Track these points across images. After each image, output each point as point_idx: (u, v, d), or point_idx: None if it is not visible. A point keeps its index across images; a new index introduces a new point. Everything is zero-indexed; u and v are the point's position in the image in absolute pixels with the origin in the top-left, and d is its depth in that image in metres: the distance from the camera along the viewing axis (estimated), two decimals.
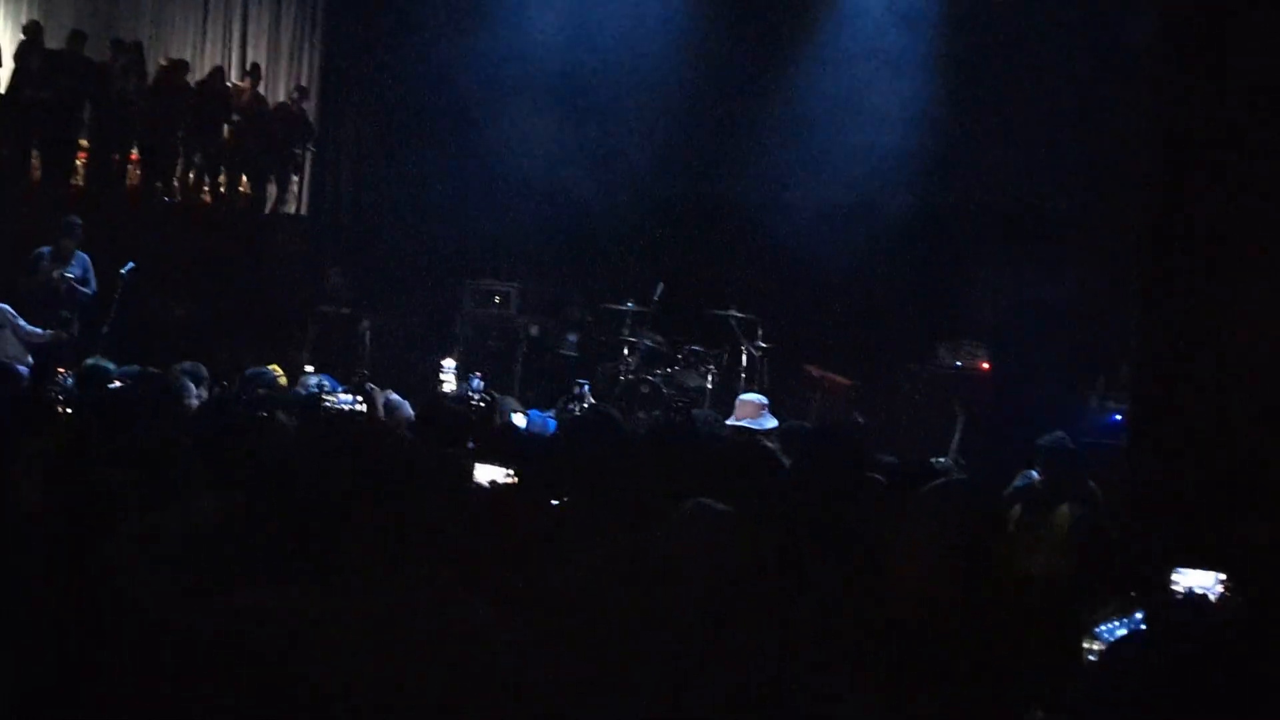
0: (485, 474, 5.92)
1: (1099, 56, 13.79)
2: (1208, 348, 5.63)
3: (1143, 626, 3.96)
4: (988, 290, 14.49)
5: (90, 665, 3.15)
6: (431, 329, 15.38)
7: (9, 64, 16.39)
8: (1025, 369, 13.88)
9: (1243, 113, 5.57)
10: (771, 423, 9.62)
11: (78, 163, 16.76)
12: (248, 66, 18.63)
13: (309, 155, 18.51)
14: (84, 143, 16.74)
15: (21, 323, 12.56)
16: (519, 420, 8.77)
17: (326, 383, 9.15)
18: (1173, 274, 5.73)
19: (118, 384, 8.20)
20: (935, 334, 14.67)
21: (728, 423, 9.61)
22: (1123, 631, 3.94)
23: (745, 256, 15.40)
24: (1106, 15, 13.64)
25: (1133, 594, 4.25)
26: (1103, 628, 4.01)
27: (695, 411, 11.34)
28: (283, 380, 9.31)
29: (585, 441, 6.47)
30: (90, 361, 8.74)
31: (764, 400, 10.08)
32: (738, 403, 10.18)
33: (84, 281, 13.60)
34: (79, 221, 13.67)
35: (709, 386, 14.08)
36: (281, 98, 18.48)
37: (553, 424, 9.01)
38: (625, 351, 14.60)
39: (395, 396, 8.74)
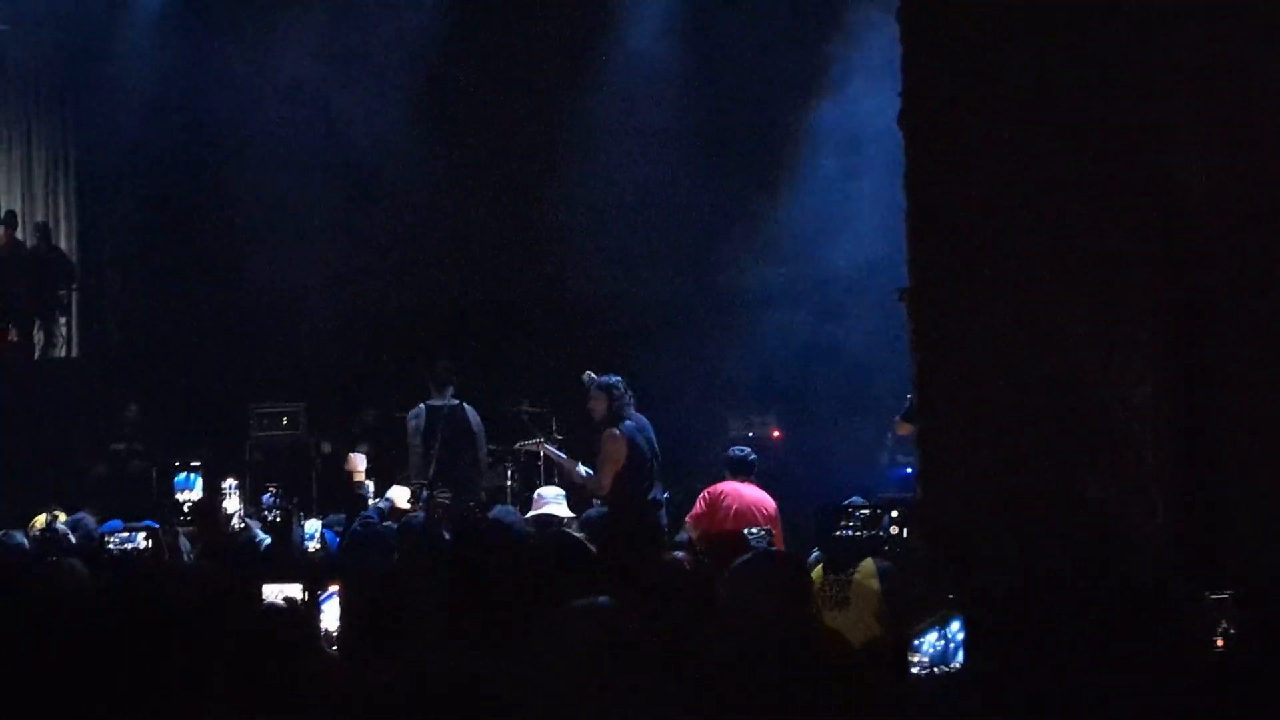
0: (275, 592, 5.82)
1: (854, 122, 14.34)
2: (980, 389, 5.84)
3: (959, 636, 4.08)
4: (769, 360, 14.76)
5: None
6: (220, 457, 15.09)
7: None
8: (816, 434, 14.20)
9: (974, 172, 5.85)
10: (568, 513, 9.64)
11: None
12: (2, 215, 18.18)
13: (74, 296, 18.12)
14: None
15: None
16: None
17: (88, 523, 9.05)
18: (938, 322, 5.93)
19: None
20: (726, 408, 14.91)
21: (528, 515, 9.60)
22: (941, 642, 4.05)
23: (530, 352, 15.47)
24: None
25: (950, 597, 4.37)
26: (921, 640, 4.11)
27: (496, 510, 11.28)
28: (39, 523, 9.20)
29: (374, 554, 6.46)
30: None
31: (560, 491, 10.10)
32: (535, 497, 10.17)
33: None
34: None
35: (509, 484, 14.00)
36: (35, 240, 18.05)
37: (333, 538, 8.97)
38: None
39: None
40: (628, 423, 10.93)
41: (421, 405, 12.66)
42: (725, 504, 9.92)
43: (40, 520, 9.68)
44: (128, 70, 17.39)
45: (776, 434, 14.54)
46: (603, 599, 4.63)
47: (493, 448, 14.44)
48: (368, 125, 16.00)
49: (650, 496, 10.87)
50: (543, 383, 14.79)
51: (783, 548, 9.62)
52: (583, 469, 11.25)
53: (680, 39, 15.92)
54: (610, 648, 4.28)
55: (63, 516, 9.53)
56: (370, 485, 12.05)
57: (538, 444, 12.40)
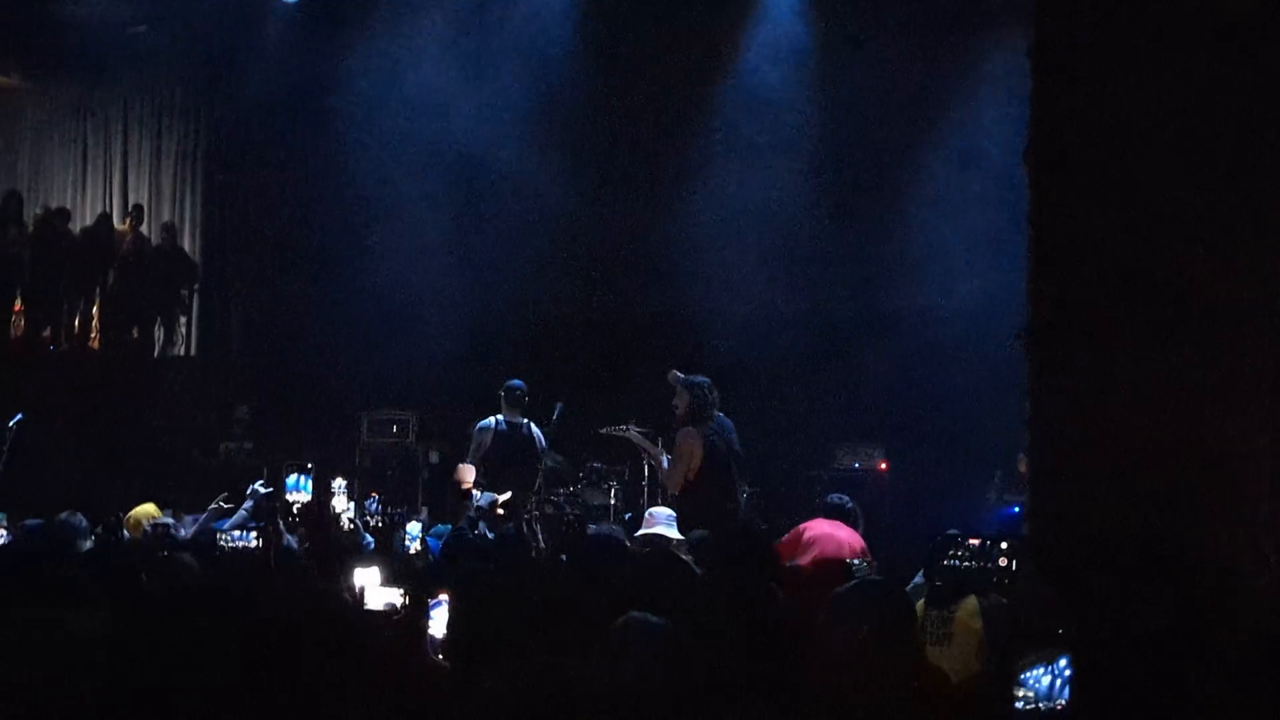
0: (381, 597, 5.89)
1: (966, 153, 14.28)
2: (1097, 433, 5.78)
3: (1067, 673, 4.05)
4: (880, 391, 14.66)
5: None
6: (330, 461, 15.30)
7: None
8: (922, 468, 14.08)
9: (1100, 213, 5.79)
10: (677, 534, 9.57)
11: None
12: (132, 211, 18.55)
13: (195, 296, 18.41)
14: None
15: None
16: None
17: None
18: (1057, 364, 5.89)
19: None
20: (833, 438, 14.82)
21: (637, 534, 9.57)
22: (1047, 678, 4.02)
23: (640, 370, 15.45)
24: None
25: (1060, 631, 4.34)
26: (1028, 675, 4.08)
27: (591, 527, 11.28)
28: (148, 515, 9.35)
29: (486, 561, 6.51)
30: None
31: (671, 512, 10.00)
32: (646, 516, 10.11)
33: None
34: None
35: (613, 503, 14.05)
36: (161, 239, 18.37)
37: (436, 546, 9.07)
38: None
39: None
40: (710, 425, 10.92)
41: (491, 420, 12.97)
42: (806, 536, 9.86)
43: (144, 510, 9.79)
44: (258, 74, 17.69)
45: (883, 466, 14.45)
46: (648, 616, 4.64)
47: (597, 465, 14.51)
48: (489, 137, 16.12)
49: (728, 501, 10.83)
50: (651, 402, 14.81)
51: None
52: (666, 459, 11.35)
53: (800, 62, 15.89)
54: (662, 665, 4.30)
55: (152, 510, 9.65)
56: (478, 495, 12.16)
57: (624, 430, 12.52)
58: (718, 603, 5.29)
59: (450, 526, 10.32)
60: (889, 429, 14.82)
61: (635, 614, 4.52)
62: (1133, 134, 5.69)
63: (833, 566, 8.17)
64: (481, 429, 12.96)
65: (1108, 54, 5.77)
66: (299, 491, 10.37)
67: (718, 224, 15.64)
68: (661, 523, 9.65)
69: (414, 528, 9.36)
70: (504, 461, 12.75)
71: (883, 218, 15.44)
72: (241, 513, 10.08)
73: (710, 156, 15.96)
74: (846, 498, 10.50)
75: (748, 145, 15.83)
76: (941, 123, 15.07)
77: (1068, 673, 4.11)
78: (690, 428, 10.96)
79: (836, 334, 15.42)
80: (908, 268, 15.15)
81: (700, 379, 11.17)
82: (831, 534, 9.98)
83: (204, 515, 10.23)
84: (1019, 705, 4.06)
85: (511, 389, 12.92)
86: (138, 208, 18.41)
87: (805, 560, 9.98)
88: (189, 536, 8.91)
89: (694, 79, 16.24)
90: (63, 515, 8.81)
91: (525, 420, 12.93)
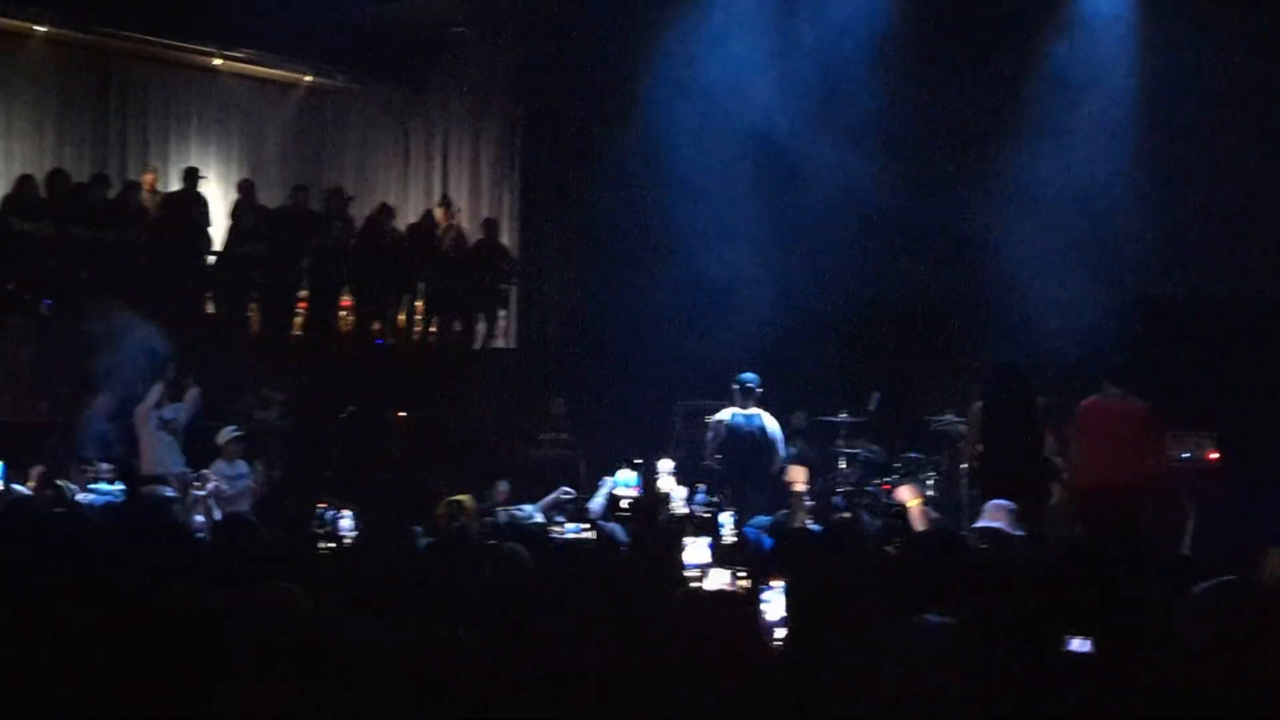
0: (717, 579, 5.94)
1: None
2: None
3: None
4: (1213, 379, 14.10)
5: None
6: (646, 452, 15.46)
7: (225, 221, 16.96)
8: (1256, 457, 13.49)
9: None
10: (1018, 530, 9.20)
11: (297, 312, 17.13)
12: (443, 201, 19.06)
13: (513, 289, 18.80)
14: (302, 292, 17.15)
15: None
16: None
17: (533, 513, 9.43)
18: None
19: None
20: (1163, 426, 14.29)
21: (976, 525, 9.30)
22: None
23: (959, 360, 15.15)
24: None
25: None
26: None
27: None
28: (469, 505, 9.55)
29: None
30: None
31: (1014, 506, 9.55)
32: (988, 508, 9.72)
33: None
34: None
35: (929, 494, 13.84)
36: (481, 235, 18.78)
37: (754, 536, 9.06)
38: (842, 464, 14.49)
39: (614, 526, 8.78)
40: (1003, 397, 11.27)
41: (725, 413, 13.17)
42: (1085, 424, 11.18)
43: (465, 500, 9.95)
44: (570, 66, 17.96)
45: (1214, 455, 13.83)
46: (933, 617, 4.56)
47: (914, 455, 14.35)
48: (792, 122, 16.03)
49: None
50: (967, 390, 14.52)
51: (1155, 455, 11.29)
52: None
53: (1117, 37, 15.40)
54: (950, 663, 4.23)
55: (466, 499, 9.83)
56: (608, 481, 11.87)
57: (948, 423, 12.66)
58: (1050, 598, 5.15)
59: (768, 519, 10.28)
60: (1218, 417, 14.19)
61: (923, 616, 4.51)
62: None
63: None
64: (714, 423, 13.22)
65: None
66: (628, 488, 10.49)
67: (1030, 207, 15.26)
68: (1003, 518, 9.28)
69: (726, 518, 9.39)
70: (735, 454, 12.93)
71: (1205, 198, 14.87)
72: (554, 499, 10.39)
73: (1021, 138, 15.56)
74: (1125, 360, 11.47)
75: (1059, 126, 15.40)
76: (1268, 99, 14.43)
77: None
78: (979, 401, 11.57)
79: (1157, 319, 14.91)
80: (1231, 250, 14.56)
81: (1001, 360, 11.68)
82: (1104, 409, 11.12)
83: (548, 498, 10.55)
84: None
85: (743, 383, 13.03)
86: (445, 198, 18.97)
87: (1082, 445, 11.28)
88: (532, 516, 9.13)
89: (1001, 57, 15.86)
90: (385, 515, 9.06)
91: (758, 413, 13.07)
